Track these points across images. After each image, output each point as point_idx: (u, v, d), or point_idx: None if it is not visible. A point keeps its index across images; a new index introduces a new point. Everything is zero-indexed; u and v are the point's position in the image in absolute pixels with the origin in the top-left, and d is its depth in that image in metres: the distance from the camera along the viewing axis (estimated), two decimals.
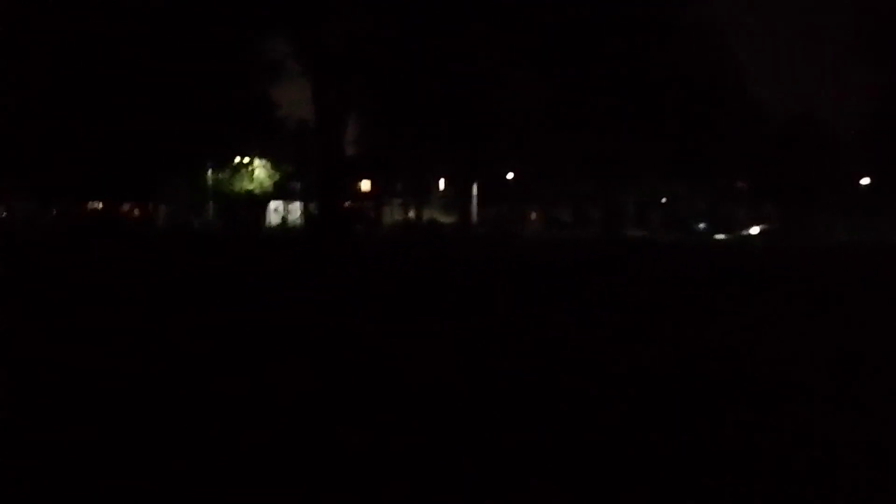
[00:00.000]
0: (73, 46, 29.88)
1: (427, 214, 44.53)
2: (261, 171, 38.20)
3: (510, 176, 47.92)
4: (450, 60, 29.34)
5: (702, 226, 51.64)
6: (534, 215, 54.54)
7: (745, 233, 49.86)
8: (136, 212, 41.79)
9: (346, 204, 36.01)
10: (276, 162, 38.37)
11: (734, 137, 43.61)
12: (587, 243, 25.49)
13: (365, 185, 41.03)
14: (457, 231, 37.09)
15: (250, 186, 37.90)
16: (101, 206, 40.32)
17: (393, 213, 43.67)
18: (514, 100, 34.44)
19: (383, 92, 31.28)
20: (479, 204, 46.20)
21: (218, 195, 37.77)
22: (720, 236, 47.23)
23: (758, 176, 52.26)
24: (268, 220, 39.65)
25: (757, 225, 52.06)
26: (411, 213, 43.88)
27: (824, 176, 49.57)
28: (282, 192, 39.89)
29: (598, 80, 35.41)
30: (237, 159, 37.81)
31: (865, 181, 49.23)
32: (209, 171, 37.48)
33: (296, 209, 39.66)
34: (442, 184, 46.03)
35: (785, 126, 50.84)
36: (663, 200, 57.55)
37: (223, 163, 37.43)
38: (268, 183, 38.42)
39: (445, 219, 44.95)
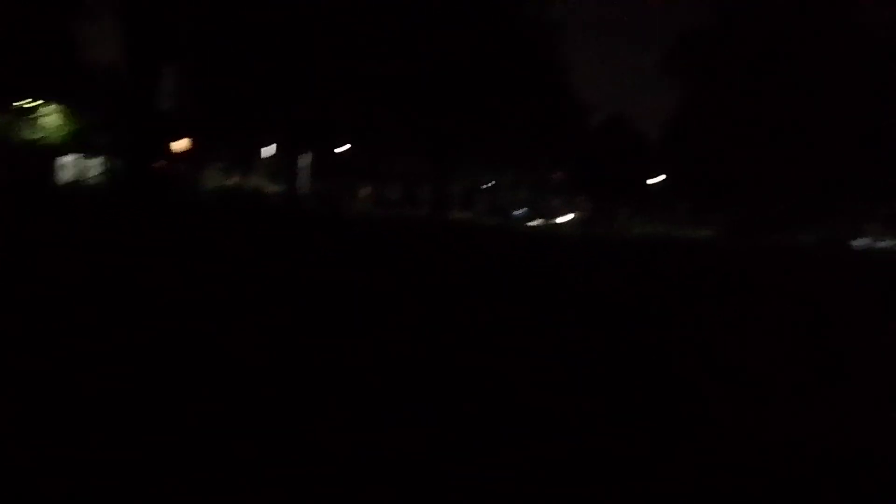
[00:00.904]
0: None
1: (253, 182, 41.53)
2: (52, 119, 32.73)
3: (344, 149, 46.40)
4: (285, 14, 27.17)
5: (519, 212, 54.85)
6: (365, 192, 53.72)
7: (557, 221, 54.12)
8: None
9: (160, 164, 32.11)
10: (74, 110, 33.09)
11: (557, 131, 46.36)
12: (405, 222, 25.32)
13: (182, 144, 36.86)
14: (281, 202, 34.87)
15: (36, 135, 32.33)
16: None
17: (214, 179, 40.05)
18: (350, 70, 33.06)
19: (207, 39, 28.12)
20: (310, 176, 44.09)
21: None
22: (535, 223, 50.61)
23: (575, 169, 56.50)
24: (58, 175, 34.15)
25: (569, 214, 56.82)
26: (235, 180, 40.63)
27: (630, 173, 54.61)
28: (81, 145, 34.64)
29: (435, 59, 35.32)
30: (21, 103, 32.05)
31: (661, 178, 54.96)
32: None
33: (96, 165, 34.63)
34: (271, 150, 43.24)
35: (602, 125, 55.24)
36: (488, 186, 60.21)
37: (4, 105, 31.55)
38: (61, 133, 33.04)
39: (272, 188, 42.27)
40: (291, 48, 28.74)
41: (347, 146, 44.86)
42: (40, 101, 32.23)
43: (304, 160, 42.33)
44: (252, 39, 29.20)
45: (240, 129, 34.52)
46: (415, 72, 34.83)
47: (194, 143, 36.29)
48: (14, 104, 31.83)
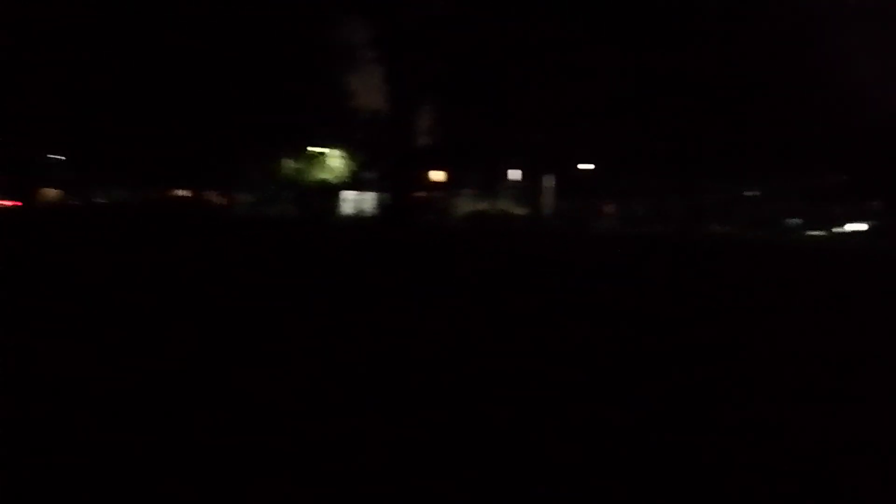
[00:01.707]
0: (159, 40, 31.13)
1: (499, 206, 43.81)
2: (335, 161, 38.69)
3: (586, 168, 46.43)
4: (527, 46, 28.56)
5: (792, 221, 48.35)
6: (609, 209, 52.75)
7: (842, 230, 46.54)
8: (220, 199, 43.46)
9: (418, 194, 35.86)
10: (350, 151, 38.77)
11: (832, 126, 40.53)
12: (666, 239, 24.26)
13: (438, 175, 40.73)
14: (527, 224, 36.21)
15: (325, 176, 38.46)
16: (187, 193, 42.39)
17: (465, 205, 43.21)
18: (593, 88, 33.23)
19: (457, 79, 30.82)
20: (555, 197, 44.98)
21: (293, 184, 38.58)
22: (814, 233, 44.18)
23: (859, 170, 48.34)
24: (341, 209, 40.12)
25: (856, 222, 48.44)
26: (483, 205, 43.29)
27: None
28: (356, 181, 40.30)
29: (687, 67, 33.69)
30: (312, 149, 38.50)
31: None
32: (286, 161, 38.35)
33: (369, 199, 39.92)
34: (517, 175, 45.19)
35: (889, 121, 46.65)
36: (750, 195, 54.39)
37: (299, 152, 38.24)
38: (342, 172, 38.87)
39: (518, 211, 44.06)
40: (531, 76, 30.07)
41: (590, 165, 44.85)
42: (325, 148, 38.38)
43: (548, 181, 43.45)
44: (497, 71, 31.18)
45: (487, 156, 36.89)
46: (666, 76, 33.62)
47: (448, 173, 39.85)
48: (307, 150, 38.38)
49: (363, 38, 28.99)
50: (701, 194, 43.00)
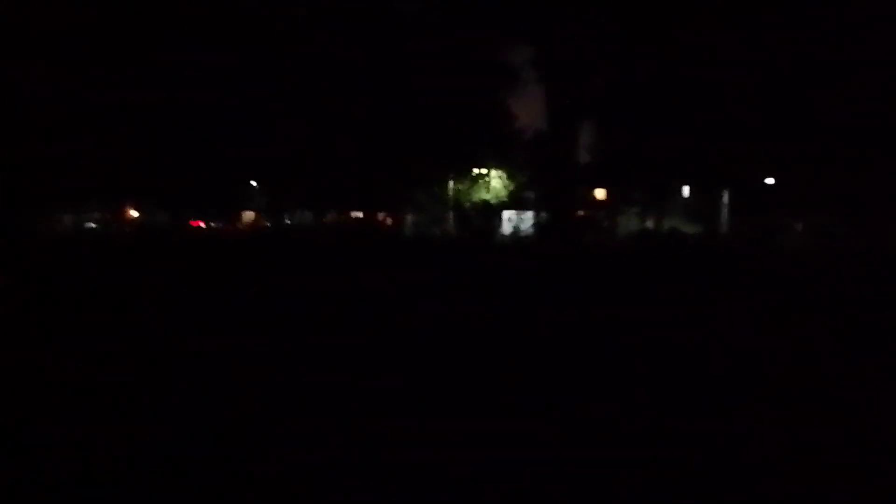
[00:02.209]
0: (318, 64, 33.52)
1: (668, 223, 41.65)
2: (497, 182, 39.34)
3: (769, 181, 42.63)
4: (690, 57, 27.13)
5: None
6: (798, 225, 47.88)
7: None
8: (389, 221, 46.17)
9: (579, 213, 35.29)
10: (511, 172, 39.22)
11: None
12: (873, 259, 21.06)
13: (600, 193, 39.78)
14: (703, 242, 33.96)
15: (487, 196, 39.23)
16: (360, 215, 45.65)
17: (629, 223, 41.67)
18: (764, 93, 30.64)
19: (619, 95, 30.02)
20: (730, 212, 41.89)
21: (457, 205, 39.82)
22: None
23: None
24: (501, 228, 40.65)
25: None
26: (649, 223, 41.44)
27: None
28: (516, 201, 40.67)
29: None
30: (476, 171, 39.52)
31: None
32: (450, 183, 39.75)
33: (529, 219, 40.05)
34: (686, 191, 42.79)
35: None
36: None
37: (463, 174, 39.45)
38: (503, 193, 39.43)
39: (689, 229, 41.57)
40: (700, 83, 28.47)
41: (771, 179, 41.20)
42: (487, 168, 39.22)
43: (723, 197, 40.55)
44: (662, 84, 29.95)
45: (650, 171, 35.41)
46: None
47: (610, 191, 38.75)
48: (470, 172, 39.49)
49: (524, 58, 29.32)
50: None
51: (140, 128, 34.22)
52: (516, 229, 39.92)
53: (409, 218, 44.21)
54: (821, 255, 21.90)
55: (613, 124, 34.43)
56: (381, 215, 46.09)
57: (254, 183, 42.86)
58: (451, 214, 40.80)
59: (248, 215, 48.31)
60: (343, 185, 37.67)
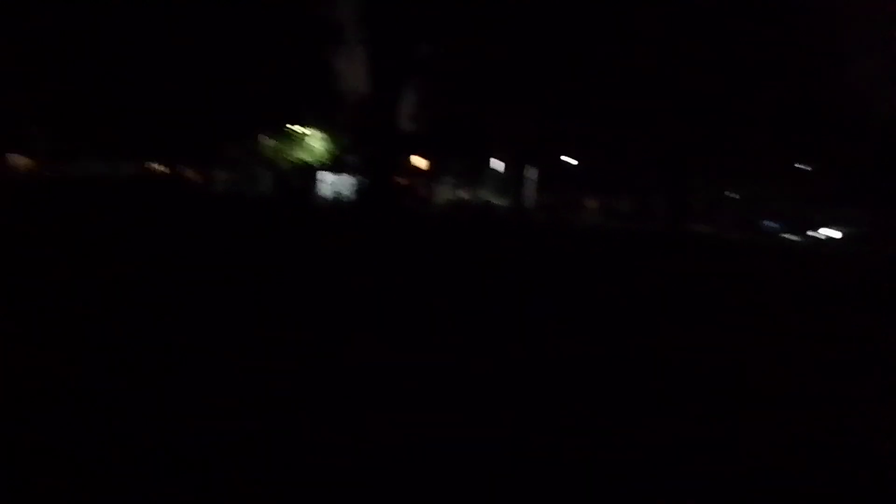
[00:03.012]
0: (138, 12, 30.19)
1: (480, 195, 43.47)
2: (316, 142, 37.94)
3: (570, 161, 46.20)
4: (520, 36, 28.08)
5: (770, 224, 49.03)
6: (593, 203, 52.81)
7: (819, 234, 47.28)
8: (197, 176, 42.53)
9: (398, 180, 35.29)
10: (333, 134, 38.04)
11: (818, 130, 40.65)
12: (653, 235, 24.11)
13: (420, 162, 40.19)
14: (509, 215, 35.90)
15: (305, 156, 37.71)
16: (164, 168, 41.45)
17: (445, 193, 42.79)
18: (583, 80, 32.80)
19: (443, 63, 30.23)
20: (537, 189, 44.76)
21: (273, 164, 37.81)
22: (790, 237, 44.81)
23: (844, 176, 48.81)
24: (320, 191, 39.44)
25: (834, 227, 49.25)
26: (463, 194, 42.94)
27: None
28: (338, 164, 39.64)
29: (685, 65, 33.32)
30: (293, 129, 37.69)
31: None
32: (265, 139, 37.53)
33: (349, 183, 39.30)
34: (498, 165, 44.88)
35: (880, 124, 47.00)
36: (735, 196, 54.90)
37: (280, 131, 37.42)
38: (324, 154, 38.16)
39: (500, 202, 43.75)
40: (516, 64, 29.61)
41: (572, 159, 44.68)
42: (306, 128, 37.59)
43: (531, 173, 43.17)
44: (481, 59, 30.66)
45: (469, 144, 36.47)
46: (647, 74, 33.24)
47: (430, 161, 39.34)
48: (288, 130, 37.54)
49: (350, 16, 28.28)
50: (685, 193, 42.99)
51: None
52: (337, 193, 38.98)
53: (220, 175, 41.15)
54: (599, 231, 24.50)
55: (436, 94, 34.76)
56: (187, 170, 42.30)
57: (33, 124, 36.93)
58: (264, 173, 38.67)
59: (21, 160, 41.47)
60: (142, 133, 33.89)
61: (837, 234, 48.00)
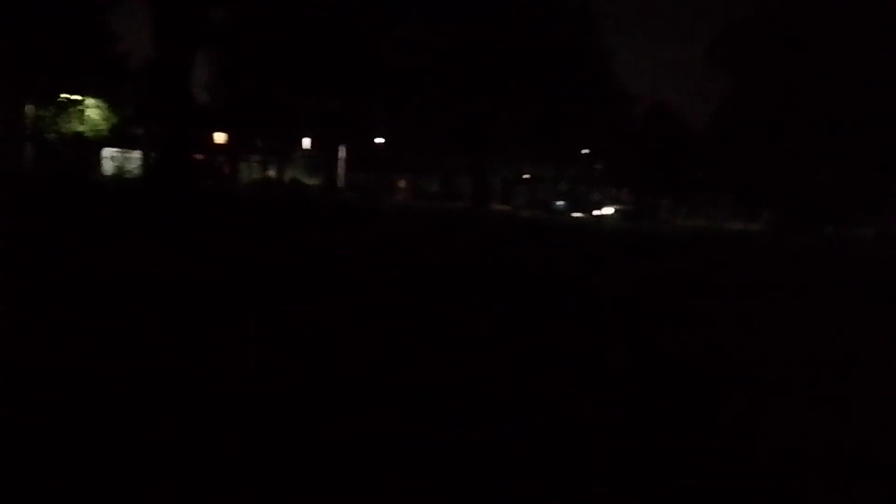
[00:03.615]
0: None
1: (289, 174, 41.69)
2: (94, 112, 33.37)
3: (380, 142, 46.22)
4: (326, 7, 26.97)
5: (559, 204, 54.04)
6: (402, 184, 53.51)
7: (598, 213, 53.19)
8: None
9: (197, 156, 32.44)
10: (113, 103, 33.71)
11: (597, 122, 45.14)
12: (455, 214, 24.86)
13: (220, 137, 37.22)
14: (320, 193, 34.83)
15: (81, 129, 33.02)
16: None
17: (251, 171, 40.34)
18: (393, 60, 32.65)
19: (243, 31, 28.14)
20: (346, 168, 44.05)
21: (38, 136, 32.60)
22: (576, 215, 49.67)
23: (616, 161, 55.11)
24: (102, 168, 34.90)
25: (610, 206, 55.74)
26: (271, 172, 40.84)
27: (673, 165, 53.01)
28: (120, 137, 35.30)
29: (479, 51, 34.63)
30: (65, 96, 32.78)
31: (704, 172, 53.12)
32: (29, 108, 32.21)
33: (136, 158, 35.22)
34: (307, 143, 43.38)
35: (645, 116, 53.60)
36: (526, 177, 59.40)
37: (50, 100, 32.33)
38: (103, 126, 33.69)
39: (309, 181, 42.37)
40: (323, 39, 28.54)
41: (382, 140, 44.68)
42: (82, 97, 32.91)
43: (341, 153, 42.34)
44: (285, 30, 29.10)
45: (275, 122, 34.64)
46: (451, 61, 34.21)
47: (231, 137, 36.61)
48: (58, 98, 32.57)
49: None
50: (487, 175, 45.17)
51: None
52: (120, 169, 34.75)
53: None
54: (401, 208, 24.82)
55: (236, 64, 32.36)
56: None
57: None
58: (28, 147, 33.21)
59: None
60: None
61: (611, 211, 54.62)
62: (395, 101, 35.92)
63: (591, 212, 54.21)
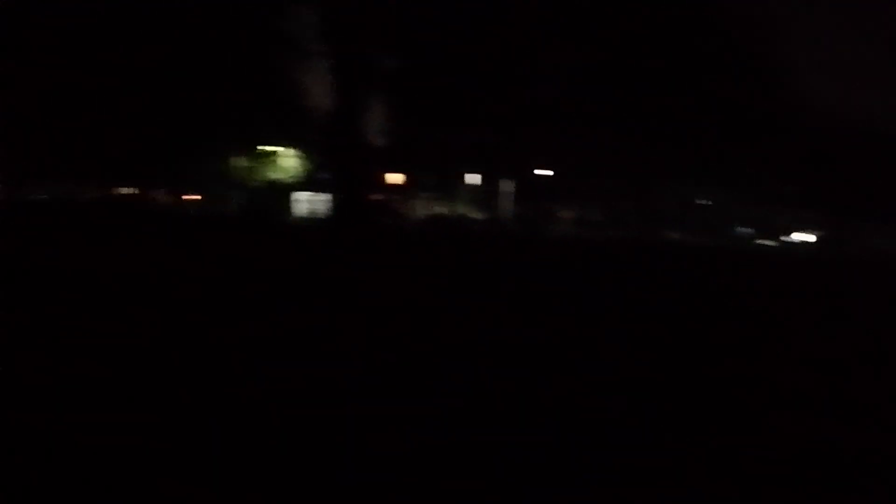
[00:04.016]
0: (104, 35, 29.86)
1: (457, 209, 43.18)
2: (288, 160, 37.36)
3: (545, 173, 46.25)
4: (488, 47, 27.97)
5: (742, 230, 49.31)
6: (566, 214, 52.77)
7: (789, 239, 47.89)
8: (167, 198, 41.69)
9: (374, 196, 34.91)
10: (304, 151, 37.52)
11: (783, 139, 41.40)
12: (617, 245, 24.01)
13: (396, 177, 39.76)
14: (486, 227, 35.64)
15: (277, 175, 37.09)
16: (133, 191, 40.67)
17: (423, 208, 42.41)
18: (553, 93, 32.90)
19: (412, 78, 30.01)
20: (511, 201, 44.58)
21: (243, 184, 37.16)
22: (765, 242, 45.16)
23: (808, 181, 49.66)
24: (294, 210, 38.81)
25: (804, 232, 49.92)
26: (441, 208, 42.59)
27: (877, 185, 46.75)
28: (311, 182, 39.08)
29: (641, 76, 33.72)
30: (264, 148, 37.12)
31: None
32: (236, 159, 36.91)
33: (323, 200, 38.72)
34: (474, 178, 44.66)
35: (837, 131, 48.01)
36: (704, 203, 55.35)
37: (250, 151, 36.84)
38: (295, 172, 37.57)
39: (476, 215, 43.49)
40: (486, 79, 29.53)
41: (547, 171, 44.70)
42: (277, 147, 37.11)
43: (507, 186, 43.03)
44: (451, 72, 30.54)
45: (443, 158, 36.21)
46: (622, 85, 33.56)
47: (406, 176, 38.92)
48: (258, 149, 37.01)
49: (313, 29, 27.98)
50: (655, 200, 43.25)
51: None
52: (309, 210, 38.34)
53: (192, 197, 40.40)
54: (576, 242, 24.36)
55: (405, 108, 34.48)
56: (158, 193, 41.45)
57: None
58: (237, 193, 37.94)
59: None
60: (109, 155, 33.19)
61: (811, 238, 48.49)
62: (559, 131, 35.98)
63: (781, 238, 48.91)
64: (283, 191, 37.71)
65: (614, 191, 46.88)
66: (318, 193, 40.32)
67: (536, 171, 44.84)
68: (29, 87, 30.58)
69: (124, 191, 40.87)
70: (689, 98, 35.07)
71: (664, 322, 6.21)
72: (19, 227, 16.20)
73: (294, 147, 37.13)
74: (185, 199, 40.06)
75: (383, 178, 38.63)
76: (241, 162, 36.90)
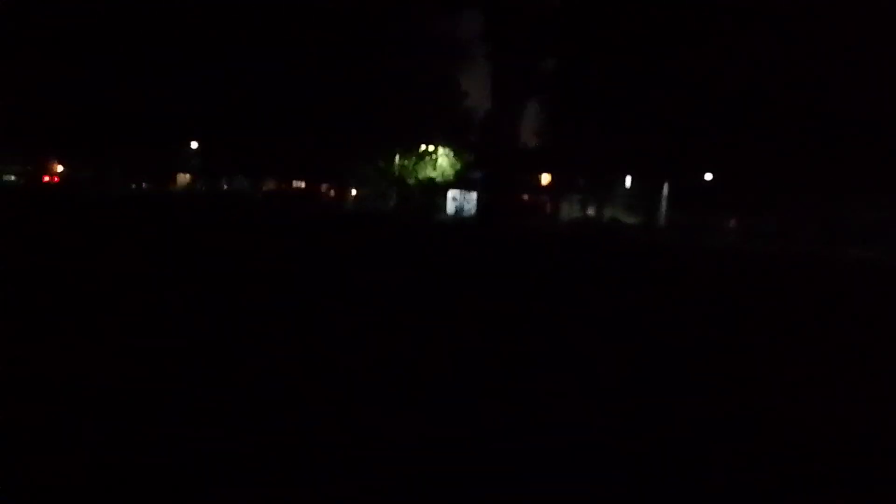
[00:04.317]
0: (284, 42, 32.96)
1: (609, 213, 42.16)
2: (444, 160, 38.91)
3: (707, 177, 43.58)
4: (642, 47, 27.26)
5: None
6: (732, 223, 49.23)
7: None
8: (332, 192, 45.29)
9: (522, 196, 35.30)
10: (459, 151, 38.85)
11: None
12: (778, 259, 21.84)
13: (545, 178, 39.86)
14: (639, 234, 34.47)
15: (432, 174, 38.80)
16: (303, 185, 44.76)
17: (572, 210, 41.94)
18: (719, 90, 31.15)
19: (568, 79, 29.98)
20: (669, 206, 42.62)
21: (401, 181, 39.27)
22: None
23: None
24: (446, 207, 40.33)
25: None
26: (590, 211, 41.84)
27: None
28: (463, 181, 40.35)
29: (824, 71, 30.79)
30: (423, 147, 38.97)
31: None
32: (397, 157, 39.09)
33: (473, 199, 39.83)
34: (628, 181, 43.31)
35: None
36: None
37: (410, 149, 38.86)
38: (449, 172, 39.03)
39: (629, 219, 42.16)
40: (645, 78, 28.69)
41: (710, 175, 42.12)
42: (435, 146, 38.81)
43: (665, 191, 41.21)
44: (612, 73, 30.02)
45: (596, 161, 35.64)
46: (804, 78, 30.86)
47: (555, 178, 38.89)
48: (418, 148, 38.96)
49: (476, 33, 28.98)
50: (838, 212, 39.05)
51: (75, 82, 33.09)
52: (459, 209, 39.64)
53: (354, 192, 43.45)
54: (745, 257, 22.39)
55: (560, 110, 34.41)
56: (323, 187, 45.14)
57: (194, 144, 41.20)
58: (394, 190, 40.18)
59: (183, 178, 46.42)
60: (283, 152, 36.75)
61: None
62: (728, 134, 33.84)
63: None
64: (437, 189, 39.40)
65: (788, 199, 43.00)
66: (468, 192, 41.54)
67: (698, 176, 42.43)
68: (231, 98, 34.63)
69: (294, 185, 45.11)
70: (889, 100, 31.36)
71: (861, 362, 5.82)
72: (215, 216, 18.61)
73: (451, 147, 38.62)
74: (347, 194, 43.27)
75: (534, 179, 38.93)
76: (401, 160, 39.08)
